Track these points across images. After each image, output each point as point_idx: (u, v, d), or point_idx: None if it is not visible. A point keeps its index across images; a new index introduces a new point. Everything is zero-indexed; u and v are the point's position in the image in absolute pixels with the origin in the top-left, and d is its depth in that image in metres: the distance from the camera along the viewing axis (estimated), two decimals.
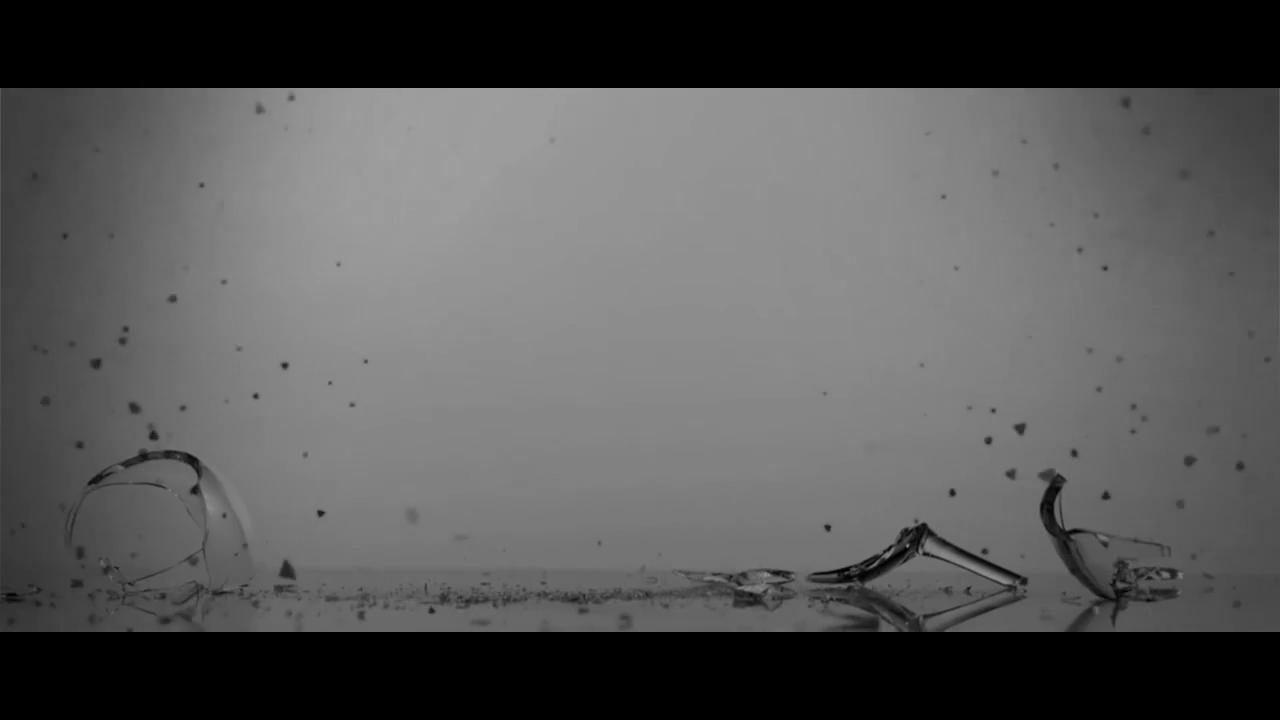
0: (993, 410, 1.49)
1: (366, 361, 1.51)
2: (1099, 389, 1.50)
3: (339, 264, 1.50)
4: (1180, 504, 1.49)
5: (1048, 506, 1.18)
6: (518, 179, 1.52)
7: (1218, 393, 1.50)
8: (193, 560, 1.16)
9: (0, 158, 1.50)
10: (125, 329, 1.50)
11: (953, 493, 1.48)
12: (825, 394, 1.50)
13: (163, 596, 1.16)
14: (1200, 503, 1.49)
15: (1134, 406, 1.49)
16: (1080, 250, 1.51)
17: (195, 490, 1.16)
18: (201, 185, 1.51)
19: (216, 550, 1.16)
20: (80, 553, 1.24)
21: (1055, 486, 1.18)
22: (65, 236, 1.51)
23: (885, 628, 1.04)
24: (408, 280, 1.51)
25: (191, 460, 1.18)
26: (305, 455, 1.50)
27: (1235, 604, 1.21)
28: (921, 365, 1.50)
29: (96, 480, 1.17)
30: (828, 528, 1.46)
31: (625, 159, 1.52)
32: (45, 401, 1.50)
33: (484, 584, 1.27)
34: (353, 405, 1.51)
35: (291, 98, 1.50)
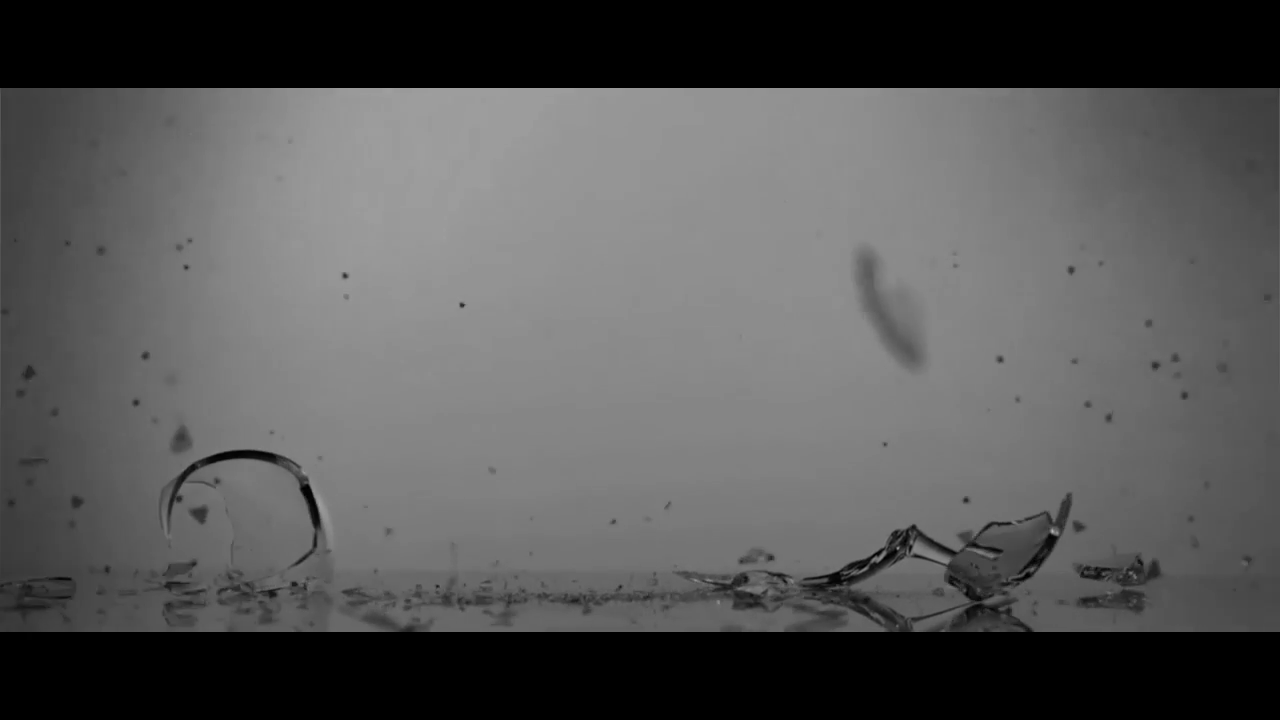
0: (988, 408, 1.50)
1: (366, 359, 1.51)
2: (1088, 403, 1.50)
3: (345, 275, 1.51)
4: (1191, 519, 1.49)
5: (971, 596, 1.20)
6: (509, 181, 1.52)
7: (1223, 401, 1.50)
8: (305, 558, 1.18)
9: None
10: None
11: (966, 500, 1.47)
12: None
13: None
14: (1211, 503, 1.49)
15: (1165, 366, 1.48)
16: (1083, 247, 1.51)
17: (305, 489, 1.19)
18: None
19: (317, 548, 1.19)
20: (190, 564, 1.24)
21: (958, 583, 1.19)
22: (67, 244, 1.51)
23: (878, 628, 1.05)
24: (408, 281, 1.51)
25: (290, 463, 1.20)
26: (320, 459, 1.50)
27: (1196, 603, 1.22)
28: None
29: (185, 475, 1.19)
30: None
31: (616, 160, 1.52)
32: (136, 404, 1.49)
33: (486, 584, 1.28)
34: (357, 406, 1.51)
35: (290, 140, 1.50)
